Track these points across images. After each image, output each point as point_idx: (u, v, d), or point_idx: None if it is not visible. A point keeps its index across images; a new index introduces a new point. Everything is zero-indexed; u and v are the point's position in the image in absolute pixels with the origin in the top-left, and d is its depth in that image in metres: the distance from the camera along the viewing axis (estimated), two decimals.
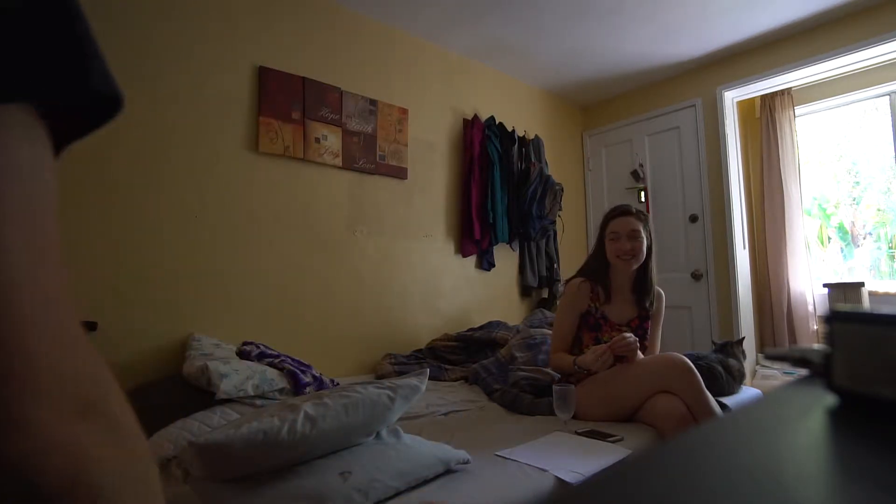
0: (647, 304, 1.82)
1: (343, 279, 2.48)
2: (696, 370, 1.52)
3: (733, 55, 3.21)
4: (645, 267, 1.83)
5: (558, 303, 1.90)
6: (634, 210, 1.85)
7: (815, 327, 3.42)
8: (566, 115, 3.93)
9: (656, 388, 1.54)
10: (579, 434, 1.45)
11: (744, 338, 2.27)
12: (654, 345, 1.90)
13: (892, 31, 2.61)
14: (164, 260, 1.95)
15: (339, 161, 2.48)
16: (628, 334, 1.61)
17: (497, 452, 1.29)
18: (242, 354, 1.86)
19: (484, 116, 3.18)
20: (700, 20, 2.80)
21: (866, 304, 3.01)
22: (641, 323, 1.82)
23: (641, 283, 1.83)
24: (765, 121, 3.67)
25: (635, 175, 3.66)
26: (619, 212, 1.85)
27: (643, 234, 1.80)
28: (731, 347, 2.08)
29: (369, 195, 2.62)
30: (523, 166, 3.28)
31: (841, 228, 3.70)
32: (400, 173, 2.75)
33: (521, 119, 3.49)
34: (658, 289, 1.90)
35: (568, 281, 1.90)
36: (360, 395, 1.10)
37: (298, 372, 1.74)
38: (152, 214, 1.94)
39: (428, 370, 1.32)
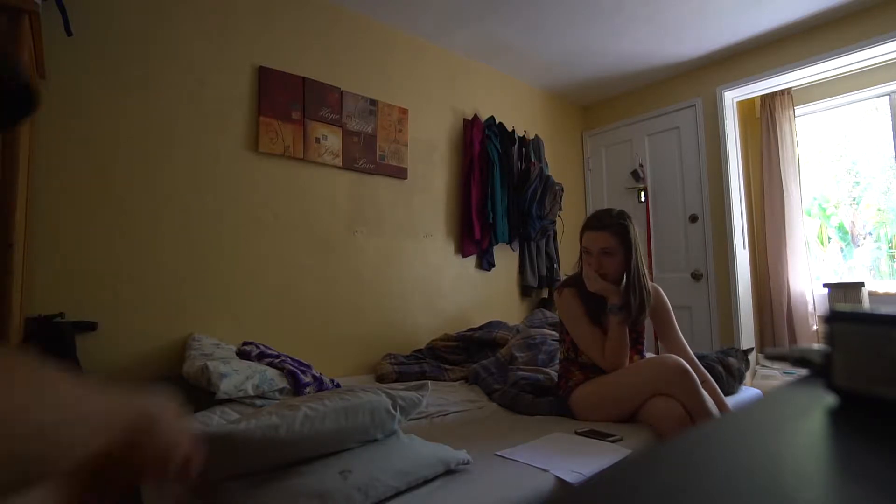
0: (641, 313, 1.71)
1: (343, 279, 2.48)
2: (690, 372, 1.51)
3: (733, 55, 3.21)
4: (630, 278, 1.70)
5: (560, 317, 1.81)
6: (611, 222, 1.70)
7: (815, 327, 3.42)
8: (566, 115, 3.93)
9: (653, 391, 1.53)
10: (579, 434, 1.45)
11: (752, 349, 2.27)
12: (673, 340, 1.79)
13: (892, 31, 2.61)
14: (164, 260, 1.95)
15: (339, 161, 2.48)
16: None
17: (497, 452, 1.28)
18: (242, 354, 1.86)
19: (484, 116, 3.18)
20: (700, 20, 2.80)
21: (866, 304, 3.01)
22: (634, 326, 1.79)
23: (629, 296, 1.70)
24: (765, 121, 3.67)
25: (635, 175, 3.66)
26: (592, 224, 1.72)
27: (619, 249, 1.68)
28: (734, 352, 2.08)
29: (369, 195, 2.62)
30: (523, 166, 3.28)
31: (841, 228, 3.70)
32: (400, 173, 2.75)
33: (521, 119, 3.49)
34: (652, 285, 1.82)
35: (559, 291, 1.81)
36: (360, 401, 1.10)
37: (298, 372, 1.74)
38: (152, 214, 1.94)
39: (429, 383, 1.31)
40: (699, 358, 1.98)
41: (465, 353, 2.54)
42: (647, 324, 1.85)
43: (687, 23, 2.82)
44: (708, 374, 1.70)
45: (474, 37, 2.94)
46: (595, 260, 1.71)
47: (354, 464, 1.01)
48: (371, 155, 2.62)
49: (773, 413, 0.37)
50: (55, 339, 1.56)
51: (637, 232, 1.74)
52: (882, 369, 0.35)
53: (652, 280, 3.48)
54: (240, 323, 2.12)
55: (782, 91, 3.52)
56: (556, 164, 3.70)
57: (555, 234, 3.51)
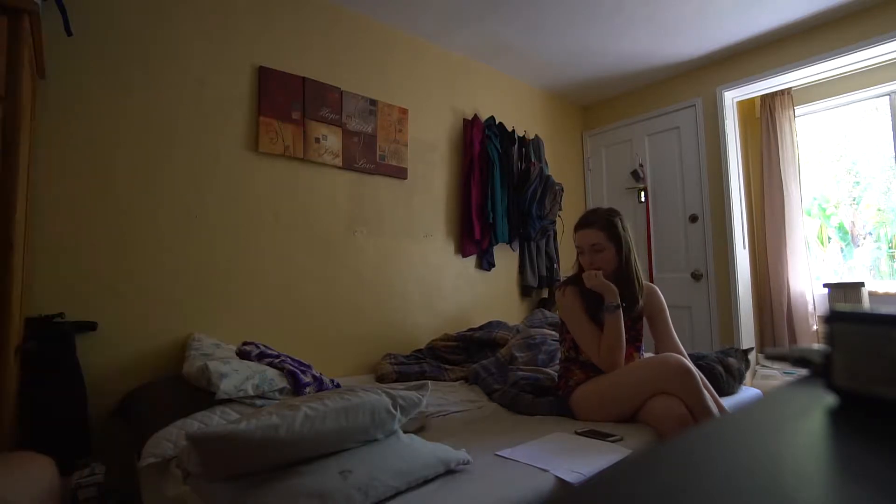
0: (633, 305, 1.75)
1: (343, 279, 2.48)
2: (692, 371, 1.51)
3: (733, 55, 3.21)
4: (622, 271, 1.75)
5: (560, 314, 1.84)
6: (598, 218, 1.77)
7: (815, 327, 3.42)
8: (566, 115, 3.93)
9: (654, 391, 1.53)
10: (579, 434, 1.45)
11: (752, 349, 2.28)
12: (667, 342, 1.80)
13: (892, 31, 2.61)
14: (164, 260, 1.95)
15: (339, 161, 2.48)
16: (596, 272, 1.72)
17: (497, 452, 1.28)
18: (242, 354, 1.86)
19: (484, 116, 3.18)
20: (700, 20, 2.80)
21: (866, 304, 3.01)
22: (634, 324, 1.80)
23: (621, 289, 1.73)
24: (765, 121, 3.67)
25: (635, 175, 3.66)
26: (580, 223, 1.80)
27: (608, 244, 1.73)
28: (734, 351, 2.08)
29: (369, 195, 2.62)
30: (523, 166, 3.28)
31: (841, 228, 3.70)
32: (400, 173, 2.75)
33: (521, 119, 3.49)
34: (649, 285, 1.86)
35: (561, 289, 1.83)
36: (360, 400, 1.10)
37: (298, 372, 1.74)
38: (152, 214, 1.94)
39: (429, 383, 1.32)
40: (699, 358, 1.98)
41: (465, 353, 2.54)
42: (646, 324, 1.86)
43: (687, 23, 2.82)
44: (703, 376, 1.69)
45: (474, 37, 2.94)
46: (588, 257, 1.76)
47: (354, 464, 1.01)
48: (371, 155, 2.62)
49: (773, 413, 0.37)
50: (55, 339, 1.56)
51: (627, 227, 1.79)
52: (882, 369, 0.35)
53: (651, 280, 3.51)
54: (240, 323, 2.12)
55: (782, 91, 3.52)
56: (556, 164, 3.70)
57: (555, 234, 3.51)
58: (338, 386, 1.82)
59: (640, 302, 1.77)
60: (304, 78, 2.38)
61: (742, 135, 3.61)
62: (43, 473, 0.71)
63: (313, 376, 1.79)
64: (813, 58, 2.88)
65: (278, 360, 1.80)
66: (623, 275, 1.75)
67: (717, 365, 1.94)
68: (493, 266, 3.16)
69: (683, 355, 1.73)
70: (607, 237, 1.74)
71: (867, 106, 3.45)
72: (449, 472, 1.13)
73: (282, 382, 1.68)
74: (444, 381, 2.31)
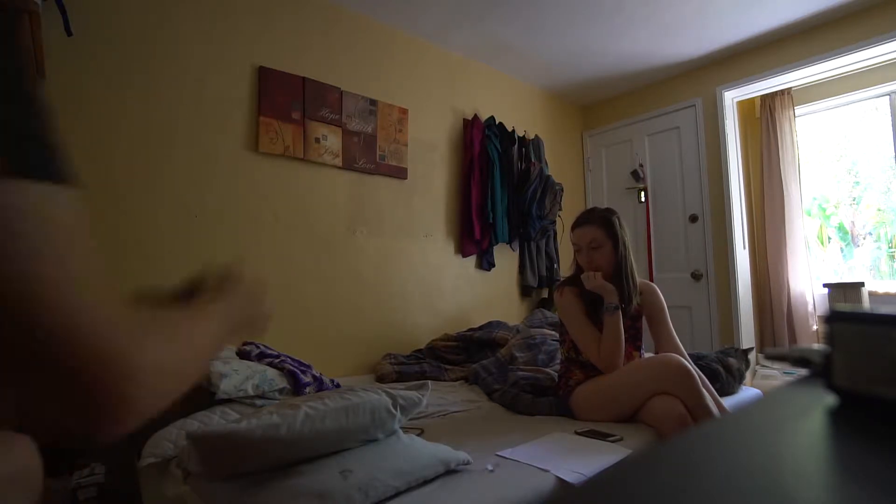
0: (629, 304, 1.75)
1: (343, 279, 2.48)
2: (692, 372, 1.51)
3: (733, 55, 3.21)
4: (620, 269, 1.75)
5: (560, 316, 1.84)
6: (595, 216, 1.78)
7: (815, 327, 3.42)
8: (566, 115, 3.93)
9: (654, 391, 1.53)
10: (579, 434, 1.45)
11: (752, 349, 2.28)
12: (666, 341, 1.80)
13: (892, 31, 2.61)
14: (164, 260, 1.95)
15: (339, 161, 2.48)
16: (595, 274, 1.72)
17: (497, 452, 1.29)
18: (242, 354, 1.86)
19: (484, 116, 3.18)
20: (700, 20, 2.80)
21: (866, 304, 3.01)
22: (633, 323, 1.81)
23: (618, 286, 1.73)
24: (765, 121, 3.67)
25: (635, 175, 3.66)
26: (577, 222, 1.81)
27: (606, 241, 1.74)
28: (734, 351, 2.08)
29: (369, 195, 2.62)
30: (523, 166, 3.28)
31: (841, 228, 3.70)
32: (400, 173, 2.75)
33: (521, 119, 3.49)
34: (649, 284, 1.86)
35: (559, 289, 1.83)
36: (360, 400, 1.10)
37: (298, 372, 1.74)
38: (152, 214, 1.94)
39: (429, 383, 1.32)
40: (699, 358, 1.98)
41: (465, 353, 2.54)
42: (645, 324, 1.86)
43: (687, 23, 2.82)
44: (703, 376, 1.69)
45: (474, 37, 2.93)
46: (585, 255, 1.76)
47: (355, 464, 1.01)
48: (371, 155, 2.62)
49: (773, 413, 0.37)
50: None
51: (624, 225, 1.79)
52: (882, 369, 0.35)
53: (651, 280, 3.51)
54: None
55: (782, 91, 3.51)
56: (556, 164, 3.70)
57: (555, 234, 3.51)
58: (338, 386, 1.82)
59: (635, 301, 1.77)
60: (303, 78, 2.38)
61: (742, 135, 3.60)
62: (16, 451, 0.68)
63: (313, 376, 1.79)
64: (813, 58, 2.88)
65: (278, 360, 1.80)
66: (620, 273, 1.75)
67: (717, 365, 1.94)
68: (493, 266, 3.16)
69: (683, 355, 1.73)
70: (605, 234, 1.75)
71: (867, 106, 3.45)
72: (449, 472, 1.13)
73: (282, 382, 1.68)
74: (444, 381, 2.31)
